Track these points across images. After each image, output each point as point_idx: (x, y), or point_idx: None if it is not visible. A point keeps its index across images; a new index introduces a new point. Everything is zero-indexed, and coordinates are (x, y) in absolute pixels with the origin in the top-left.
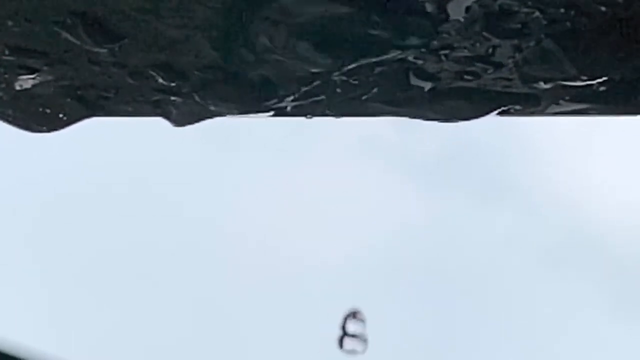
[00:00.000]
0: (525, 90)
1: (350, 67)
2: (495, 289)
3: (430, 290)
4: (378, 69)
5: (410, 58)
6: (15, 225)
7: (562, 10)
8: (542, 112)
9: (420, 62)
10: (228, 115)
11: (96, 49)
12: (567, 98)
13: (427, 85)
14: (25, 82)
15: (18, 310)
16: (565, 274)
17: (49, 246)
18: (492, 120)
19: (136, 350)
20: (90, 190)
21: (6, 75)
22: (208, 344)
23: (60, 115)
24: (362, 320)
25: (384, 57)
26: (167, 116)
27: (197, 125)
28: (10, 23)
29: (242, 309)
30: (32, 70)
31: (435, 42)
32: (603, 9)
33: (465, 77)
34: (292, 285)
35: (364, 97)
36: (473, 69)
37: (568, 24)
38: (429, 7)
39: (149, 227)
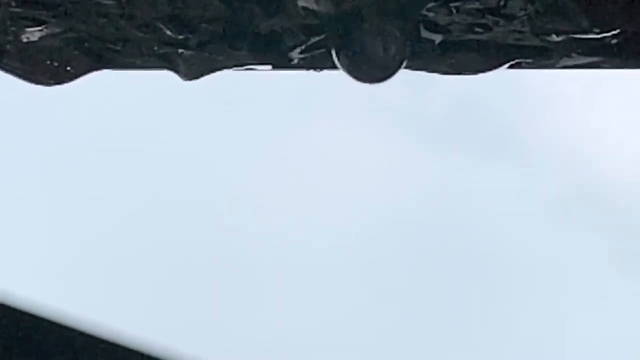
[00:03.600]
0: (537, 43)
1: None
2: (502, 243)
3: (437, 245)
4: None
5: (421, 10)
6: (21, 178)
7: None
8: (553, 66)
9: (430, 14)
10: (237, 68)
11: (104, 1)
12: (579, 51)
13: (438, 38)
14: (32, 34)
15: (19, 262)
16: (571, 227)
17: (53, 200)
18: (500, 75)
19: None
20: (97, 144)
21: (13, 28)
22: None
23: (67, 68)
24: None
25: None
26: (175, 69)
27: (205, 79)
28: None
29: (249, 266)
30: (39, 22)
31: None
32: None
33: (476, 29)
34: (298, 242)
35: None
36: (484, 21)
37: None
38: None
39: (155, 182)
